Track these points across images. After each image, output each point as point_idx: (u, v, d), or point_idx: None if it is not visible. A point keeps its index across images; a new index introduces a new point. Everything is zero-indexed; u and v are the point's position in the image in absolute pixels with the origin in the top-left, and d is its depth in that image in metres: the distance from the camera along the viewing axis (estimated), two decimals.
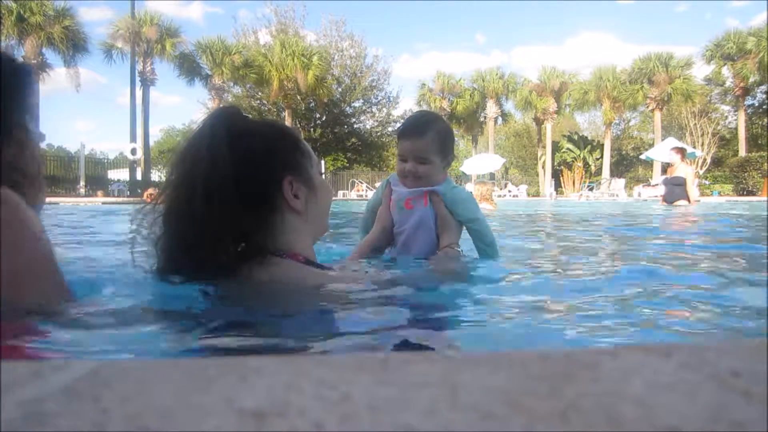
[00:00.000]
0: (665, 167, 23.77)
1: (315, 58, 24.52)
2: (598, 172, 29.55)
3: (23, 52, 20.41)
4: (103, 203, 12.48)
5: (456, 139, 40.54)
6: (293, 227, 1.19)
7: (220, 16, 62.13)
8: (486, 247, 1.71)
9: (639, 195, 19.49)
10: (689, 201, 7.02)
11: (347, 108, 29.80)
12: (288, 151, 1.20)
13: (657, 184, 19.43)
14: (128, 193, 20.89)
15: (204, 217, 1.03)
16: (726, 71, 26.68)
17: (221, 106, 1.23)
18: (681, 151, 7.89)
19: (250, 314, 1.05)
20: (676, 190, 7.18)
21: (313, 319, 1.05)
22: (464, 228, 1.73)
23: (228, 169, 1.04)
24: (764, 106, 28.24)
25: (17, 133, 0.96)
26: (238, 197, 1.05)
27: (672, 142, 20.76)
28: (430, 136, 1.65)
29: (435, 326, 1.06)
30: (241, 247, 1.12)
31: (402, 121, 2.06)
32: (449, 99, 30.33)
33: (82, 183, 20.13)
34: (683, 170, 7.44)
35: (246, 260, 1.10)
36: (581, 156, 30.74)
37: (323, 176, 1.31)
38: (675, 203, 7.01)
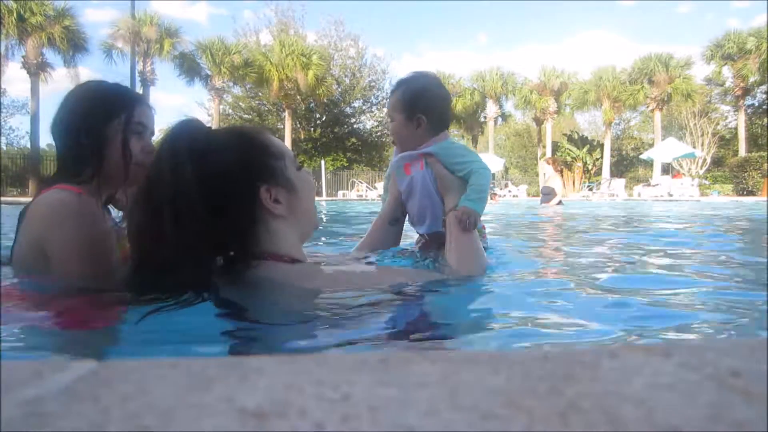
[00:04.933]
0: (665, 167, 23.84)
1: (315, 57, 24.50)
2: (598, 172, 29.53)
3: (23, 52, 20.40)
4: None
5: (456, 138, 40.48)
6: (277, 231, 1.16)
7: (224, 18, 62.16)
8: (471, 196, 1.50)
9: (639, 195, 19.49)
10: (560, 203, 9.09)
11: (347, 108, 29.78)
12: (257, 159, 1.14)
13: (657, 184, 19.49)
14: None
15: (175, 239, 1.00)
16: (726, 71, 26.67)
17: (181, 119, 1.13)
18: (553, 161, 9.74)
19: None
20: (549, 196, 9.22)
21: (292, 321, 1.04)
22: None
23: (194, 191, 1.01)
24: (764, 106, 28.22)
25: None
26: (210, 216, 1.02)
27: (670, 142, 20.80)
28: (398, 94, 1.62)
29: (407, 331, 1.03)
30: (224, 257, 1.12)
31: None
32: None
33: None
34: (554, 180, 9.35)
35: (228, 268, 1.10)
36: (581, 156, 30.73)
37: (301, 170, 1.25)
38: (548, 204, 8.92)
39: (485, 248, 1.62)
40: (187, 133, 1.09)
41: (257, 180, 1.12)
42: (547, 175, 9.52)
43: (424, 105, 1.60)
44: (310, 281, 1.16)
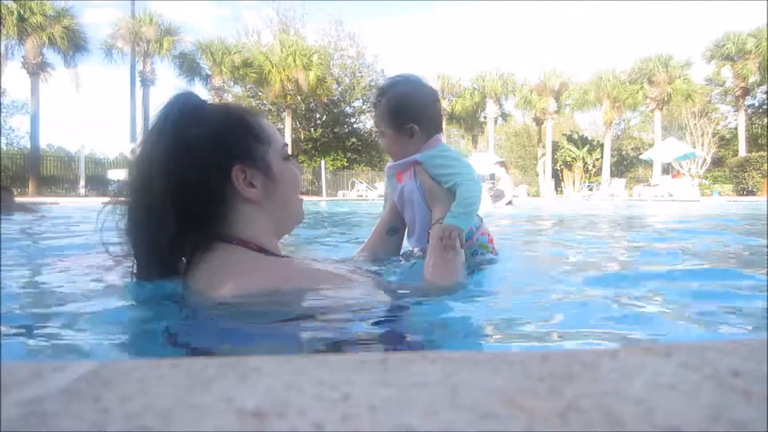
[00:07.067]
0: (665, 167, 23.86)
1: (315, 57, 24.51)
2: (598, 172, 29.54)
3: (23, 52, 20.40)
4: (104, 203, 12.40)
5: (456, 138, 40.65)
6: (248, 217, 1.12)
7: (225, 18, 61.93)
8: (456, 212, 1.38)
9: (639, 195, 19.50)
10: (511, 203, 9.66)
11: (347, 108, 29.80)
12: (236, 136, 1.11)
13: (657, 185, 19.50)
14: None
15: (146, 210, 1.05)
16: (726, 71, 26.68)
17: (176, 93, 1.14)
18: (503, 164, 10.22)
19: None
20: (498, 198, 9.79)
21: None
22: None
23: (171, 159, 1.03)
24: (764, 106, 28.23)
25: None
26: (180, 189, 1.03)
27: (670, 142, 20.82)
28: (382, 105, 1.51)
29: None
30: (192, 236, 1.09)
31: None
32: (449, 99, 30.34)
33: (82, 183, 20.13)
34: (505, 182, 9.79)
35: (196, 249, 1.10)
36: (581, 156, 30.75)
37: (289, 160, 1.20)
38: (497, 204, 9.44)
39: (492, 261, 1.57)
40: (181, 103, 1.10)
41: (232, 158, 1.09)
42: (499, 177, 10.01)
43: (413, 113, 1.49)
44: (274, 274, 1.10)
